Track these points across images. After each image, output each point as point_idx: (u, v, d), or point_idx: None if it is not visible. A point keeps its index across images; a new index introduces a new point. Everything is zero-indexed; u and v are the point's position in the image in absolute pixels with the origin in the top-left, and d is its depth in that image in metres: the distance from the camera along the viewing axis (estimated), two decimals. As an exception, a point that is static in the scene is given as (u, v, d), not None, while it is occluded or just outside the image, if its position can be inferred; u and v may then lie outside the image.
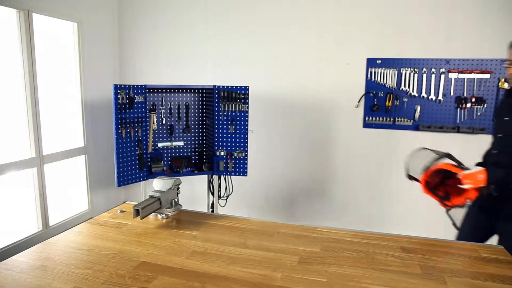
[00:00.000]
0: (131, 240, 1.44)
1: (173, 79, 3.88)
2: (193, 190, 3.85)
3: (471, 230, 1.91)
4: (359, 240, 1.46)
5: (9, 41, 2.89)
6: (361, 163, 3.54)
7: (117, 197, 4.19)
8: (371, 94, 3.39)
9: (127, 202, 1.91)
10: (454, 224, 1.95)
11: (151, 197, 1.61)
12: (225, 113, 2.99)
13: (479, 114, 3.19)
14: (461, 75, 3.18)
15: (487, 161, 1.83)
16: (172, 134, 3.17)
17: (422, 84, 3.27)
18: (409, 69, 3.29)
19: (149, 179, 2.98)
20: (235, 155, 3.05)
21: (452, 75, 3.20)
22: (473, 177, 1.57)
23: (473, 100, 3.17)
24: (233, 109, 2.99)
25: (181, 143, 3.21)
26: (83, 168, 3.71)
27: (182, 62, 3.89)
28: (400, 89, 3.32)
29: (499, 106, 2.26)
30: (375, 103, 3.39)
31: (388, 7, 3.28)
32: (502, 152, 1.74)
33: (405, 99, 3.32)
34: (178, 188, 1.75)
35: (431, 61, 3.23)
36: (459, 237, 1.94)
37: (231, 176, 3.28)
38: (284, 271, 1.20)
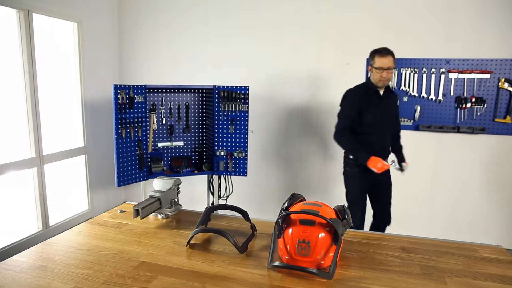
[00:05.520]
0: (131, 240, 1.44)
1: (173, 79, 3.88)
2: (193, 190, 3.85)
3: None
4: (359, 240, 1.46)
5: (9, 41, 2.89)
6: (361, 163, 3.54)
7: (117, 197, 4.19)
8: (371, 94, 3.39)
9: (127, 202, 1.91)
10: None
11: (151, 197, 1.60)
12: (225, 113, 2.99)
13: (479, 114, 3.19)
14: (461, 75, 3.18)
15: None
16: (172, 134, 3.17)
17: (422, 84, 3.27)
18: (409, 69, 3.29)
19: (149, 179, 2.98)
20: (235, 155, 3.05)
21: (452, 75, 3.20)
22: None
23: (473, 100, 3.17)
24: (233, 109, 2.99)
25: (181, 143, 3.21)
26: (83, 168, 3.71)
27: (182, 62, 3.89)
28: (400, 89, 3.32)
29: None
30: (375, 103, 3.39)
31: (388, 7, 3.28)
32: None
33: (405, 99, 3.32)
34: (178, 188, 1.75)
35: (431, 61, 3.23)
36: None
37: (231, 176, 3.28)
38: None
